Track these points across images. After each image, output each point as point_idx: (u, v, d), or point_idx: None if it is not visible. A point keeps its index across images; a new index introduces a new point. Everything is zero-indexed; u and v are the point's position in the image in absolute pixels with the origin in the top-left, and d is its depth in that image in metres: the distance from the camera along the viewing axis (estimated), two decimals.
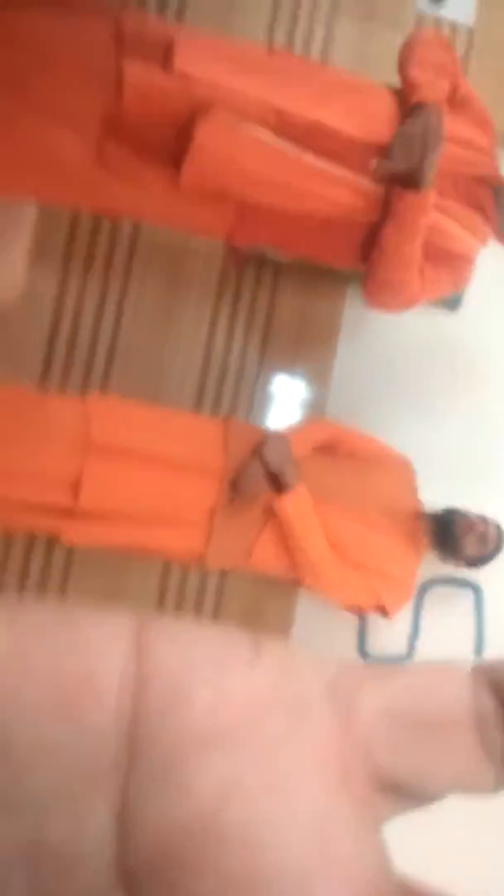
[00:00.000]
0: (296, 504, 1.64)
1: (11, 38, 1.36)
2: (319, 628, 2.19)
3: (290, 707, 0.19)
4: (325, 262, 1.66)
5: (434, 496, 1.88)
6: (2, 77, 1.36)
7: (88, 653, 0.18)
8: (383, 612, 1.86)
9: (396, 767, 0.20)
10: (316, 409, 2.19)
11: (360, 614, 1.97)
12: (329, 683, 0.20)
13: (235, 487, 1.62)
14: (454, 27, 2.20)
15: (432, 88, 1.43)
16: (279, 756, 0.19)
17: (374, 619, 2.17)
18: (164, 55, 1.34)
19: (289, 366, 2.19)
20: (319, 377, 2.21)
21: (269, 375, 2.17)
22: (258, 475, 1.62)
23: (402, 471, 1.90)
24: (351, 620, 2.15)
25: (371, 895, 0.19)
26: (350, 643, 2.23)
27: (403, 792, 0.20)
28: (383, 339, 2.26)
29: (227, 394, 2.12)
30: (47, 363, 2.03)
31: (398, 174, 1.39)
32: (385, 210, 1.43)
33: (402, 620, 2.09)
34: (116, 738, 0.18)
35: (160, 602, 2.08)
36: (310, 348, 2.22)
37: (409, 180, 1.39)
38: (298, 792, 0.18)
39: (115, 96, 1.33)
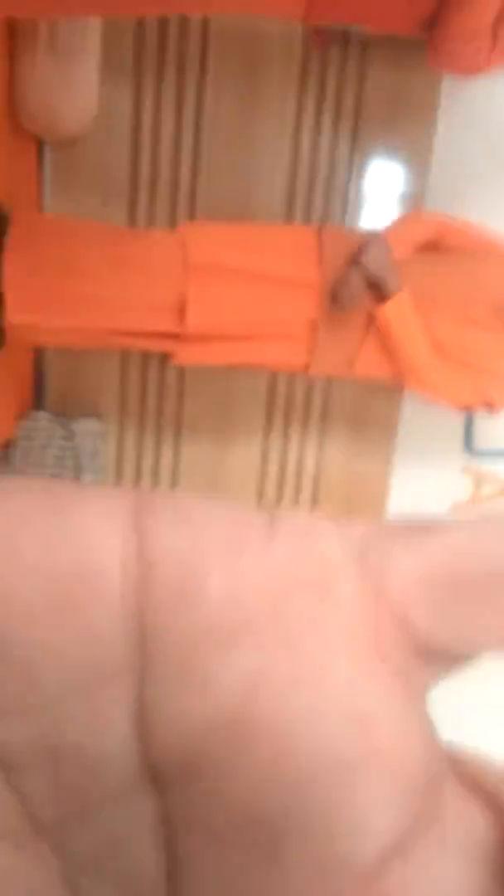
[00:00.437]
0: (397, 310, 1.62)
1: None
2: (425, 427, 2.25)
3: (314, 583, 0.17)
4: (389, 28, 1.51)
5: None
6: None
7: (83, 541, 0.16)
8: (491, 408, 1.88)
9: (436, 633, 0.18)
10: (415, 202, 2.07)
11: (468, 412, 1.99)
12: (356, 550, 0.18)
13: (335, 299, 1.62)
14: None
15: None
16: (306, 640, 0.17)
17: (481, 415, 2.20)
18: None
19: (383, 156, 2.04)
20: (417, 166, 2.06)
21: (361, 170, 2.04)
22: (358, 284, 1.60)
23: None
24: (457, 417, 2.19)
25: (421, 774, 0.17)
26: (457, 440, 2.29)
27: (444, 656, 0.18)
28: (489, 114, 2.03)
29: (319, 198, 2.02)
30: (133, 186, 2.00)
31: None
32: None
33: None
34: (125, 635, 0.16)
35: (269, 410, 2.19)
36: (405, 133, 2.04)
37: None
38: (331, 677, 0.17)
39: None
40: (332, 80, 1.97)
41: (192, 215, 2.02)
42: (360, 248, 1.60)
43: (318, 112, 1.99)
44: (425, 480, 2.33)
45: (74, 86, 1.79)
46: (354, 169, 2.04)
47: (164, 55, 1.93)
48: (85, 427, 2.11)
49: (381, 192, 2.07)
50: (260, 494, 2.27)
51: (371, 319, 1.66)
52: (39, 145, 1.96)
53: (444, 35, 1.38)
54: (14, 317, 1.63)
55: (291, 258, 1.67)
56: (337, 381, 2.16)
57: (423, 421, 2.24)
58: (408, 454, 2.30)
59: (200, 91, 1.96)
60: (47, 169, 1.98)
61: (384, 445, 2.29)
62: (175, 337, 1.68)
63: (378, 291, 1.62)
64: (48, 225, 1.75)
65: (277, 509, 0.18)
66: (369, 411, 2.23)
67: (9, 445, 2.04)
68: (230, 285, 1.63)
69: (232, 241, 1.65)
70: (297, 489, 2.28)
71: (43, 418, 2.07)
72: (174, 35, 1.92)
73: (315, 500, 2.29)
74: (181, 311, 1.63)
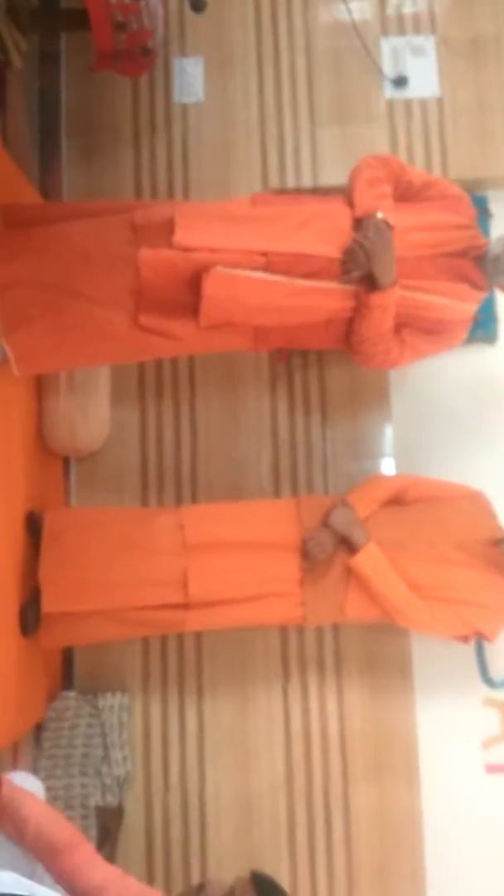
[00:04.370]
0: (368, 560, 1.84)
1: (47, 247, 1.71)
2: (438, 662, 2.31)
3: None
4: (319, 348, 1.93)
5: None
6: (49, 278, 1.69)
7: None
8: (484, 637, 1.99)
9: None
10: (385, 462, 2.40)
11: (466, 643, 2.09)
12: None
13: (304, 556, 1.86)
14: (424, 103, 2.45)
15: (370, 199, 1.69)
16: None
17: (490, 646, 2.27)
18: (168, 232, 1.66)
19: (351, 431, 2.42)
20: (381, 435, 2.42)
21: (335, 445, 2.41)
22: (325, 540, 1.85)
23: (472, 503, 2.04)
24: (468, 648, 2.27)
25: None
26: (473, 671, 2.33)
27: None
28: (432, 383, 2.44)
29: (302, 473, 2.37)
30: (144, 481, 2.38)
31: (364, 277, 1.64)
32: (359, 304, 1.69)
33: None
34: None
35: (285, 663, 2.30)
36: (367, 410, 2.44)
37: (371, 281, 1.64)
38: None
39: (137, 276, 1.65)
40: (298, 380, 2.43)
41: (195, 495, 2.36)
42: (326, 511, 1.88)
43: (291, 406, 2.41)
44: (451, 717, 2.32)
45: (90, 415, 2.23)
46: (328, 445, 2.40)
47: (161, 379, 2.42)
48: (111, 702, 2.23)
49: (354, 459, 2.42)
50: (287, 749, 2.28)
51: (349, 570, 1.87)
52: (65, 460, 2.38)
53: (357, 342, 1.78)
54: (50, 606, 1.87)
55: (276, 526, 1.94)
56: (344, 626, 2.29)
57: (435, 656, 2.31)
58: (427, 691, 2.33)
59: (193, 401, 2.42)
60: (73, 478, 2.38)
61: (404, 685, 2.33)
62: (183, 607, 1.90)
63: (350, 546, 1.86)
64: (72, 517, 2.06)
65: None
66: (381, 650, 2.31)
67: (40, 726, 2.16)
68: (224, 556, 1.88)
69: (222, 519, 1.95)
70: (324, 736, 2.29)
71: (71, 697, 2.20)
72: (167, 362, 2.42)
73: (343, 747, 2.28)
74: (185, 584, 1.86)
